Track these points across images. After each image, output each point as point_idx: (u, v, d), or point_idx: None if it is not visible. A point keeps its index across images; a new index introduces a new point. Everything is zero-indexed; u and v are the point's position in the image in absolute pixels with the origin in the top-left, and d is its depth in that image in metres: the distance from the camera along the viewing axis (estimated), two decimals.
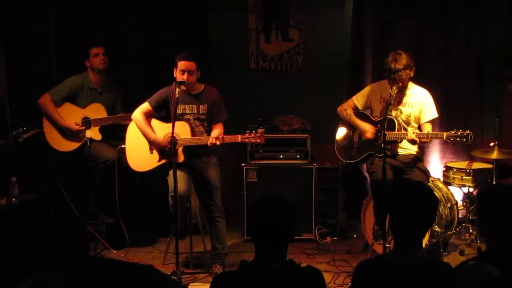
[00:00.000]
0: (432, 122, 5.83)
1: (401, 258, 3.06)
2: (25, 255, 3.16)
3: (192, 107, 5.53)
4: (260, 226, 3.01)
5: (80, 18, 6.83)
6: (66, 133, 6.21)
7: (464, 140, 5.29)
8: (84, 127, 6.19)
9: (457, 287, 2.62)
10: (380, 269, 3.09)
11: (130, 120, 5.86)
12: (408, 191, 3.20)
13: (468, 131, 5.29)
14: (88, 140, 6.14)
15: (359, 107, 5.99)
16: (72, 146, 6.23)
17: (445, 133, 5.37)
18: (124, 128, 5.99)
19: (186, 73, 5.34)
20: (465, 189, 6.28)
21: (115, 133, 6.35)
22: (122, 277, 3.90)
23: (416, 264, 3.01)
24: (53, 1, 6.55)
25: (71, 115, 6.22)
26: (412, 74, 5.61)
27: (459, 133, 5.30)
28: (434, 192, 5.58)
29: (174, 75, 5.40)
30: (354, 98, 6.04)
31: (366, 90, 6.02)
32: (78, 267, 2.93)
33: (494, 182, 6.02)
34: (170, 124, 5.18)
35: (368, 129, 5.84)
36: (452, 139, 5.33)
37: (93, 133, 6.19)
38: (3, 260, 4.82)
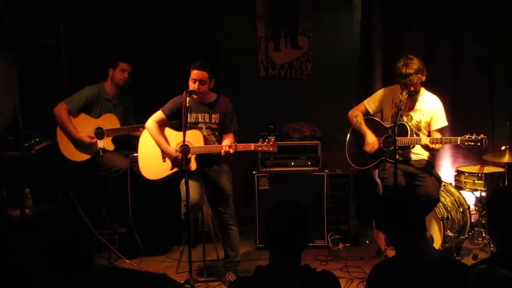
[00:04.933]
0: (441, 130, 5.84)
1: (410, 254, 3.10)
2: (37, 266, 3.19)
3: (204, 116, 5.56)
4: (277, 231, 3.03)
5: (90, 30, 6.87)
6: (79, 144, 6.22)
7: (479, 144, 5.29)
8: (95, 140, 6.20)
9: None
10: (394, 267, 3.13)
11: (142, 130, 5.90)
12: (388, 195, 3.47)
13: (482, 135, 5.29)
14: (101, 150, 6.14)
15: (371, 111, 6.00)
16: (84, 156, 6.23)
17: (459, 138, 5.37)
18: (136, 138, 6.02)
19: (197, 82, 5.38)
20: (477, 193, 6.26)
21: (128, 143, 6.36)
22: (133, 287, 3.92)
23: (430, 261, 3.05)
24: (63, 13, 6.59)
25: (84, 125, 6.23)
26: (424, 78, 5.62)
27: (473, 138, 5.30)
28: (445, 196, 5.69)
29: (188, 84, 5.43)
30: (365, 102, 6.05)
31: (378, 94, 6.03)
32: (85, 279, 2.95)
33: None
34: (182, 133, 5.20)
35: (370, 142, 5.85)
36: (466, 143, 5.32)
37: (106, 143, 6.20)
38: (17, 272, 4.84)
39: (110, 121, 6.29)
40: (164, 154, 5.64)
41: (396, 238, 3.20)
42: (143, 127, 5.88)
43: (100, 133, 6.22)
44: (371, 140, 5.86)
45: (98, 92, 6.34)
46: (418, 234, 3.15)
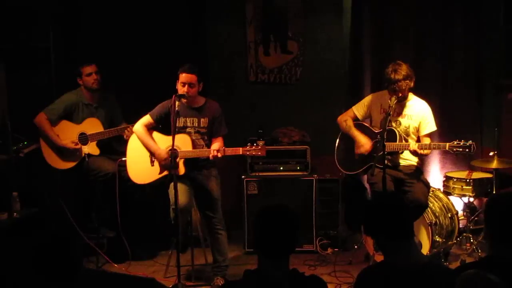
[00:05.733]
0: (431, 135, 5.86)
1: (398, 259, 3.10)
2: (24, 270, 3.19)
3: (193, 120, 5.56)
4: (265, 235, 3.03)
5: (79, 33, 6.85)
6: (63, 152, 6.19)
7: (467, 150, 5.29)
8: (80, 146, 6.17)
9: None
10: (382, 272, 3.13)
11: (128, 132, 5.89)
12: (373, 202, 3.47)
13: (470, 142, 5.29)
14: (86, 155, 6.12)
15: (359, 117, 6.01)
16: (70, 164, 6.20)
17: (447, 144, 5.37)
18: (122, 142, 6.00)
19: (186, 86, 5.38)
20: (465, 199, 6.28)
21: (112, 147, 6.34)
22: None
23: (418, 267, 3.05)
24: (53, 17, 6.57)
25: (67, 132, 6.20)
26: (412, 84, 5.64)
27: (461, 144, 5.30)
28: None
29: (177, 87, 5.43)
30: (354, 108, 6.06)
31: (366, 100, 6.05)
32: (73, 282, 2.94)
33: (494, 192, 6.03)
34: (171, 137, 5.20)
35: (363, 143, 5.85)
36: (455, 149, 5.33)
37: (91, 149, 6.17)
38: (5, 275, 4.82)
39: (93, 126, 6.25)
40: (153, 158, 5.64)
41: (385, 243, 3.20)
42: (128, 128, 5.88)
43: (84, 139, 6.19)
44: (364, 141, 5.87)
45: (77, 98, 6.30)
46: (407, 240, 3.15)
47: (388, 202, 3.30)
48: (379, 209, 3.25)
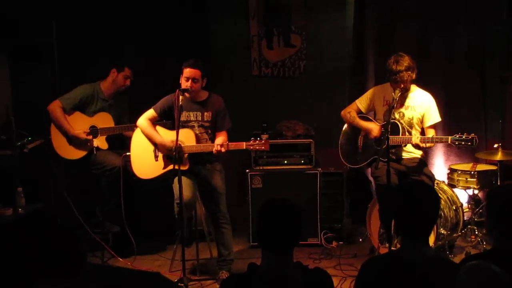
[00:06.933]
0: (435, 126, 5.84)
1: (408, 254, 3.08)
2: (29, 266, 3.19)
3: (196, 114, 5.55)
4: (269, 228, 3.02)
5: (82, 29, 6.85)
6: (74, 141, 6.20)
7: (469, 143, 5.28)
8: (91, 137, 6.19)
9: (459, 287, 2.63)
10: (388, 263, 3.11)
11: (134, 130, 5.90)
12: (410, 190, 3.25)
13: (472, 135, 5.29)
14: (95, 148, 6.13)
15: (363, 110, 6.01)
16: (78, 154, 6.22)
17: (450, 137, 5.36)
18: (129, 138, 6.02)
19: (190, 80, 5.38)
20: (470, 191, 6.28)
21: (122, 142, 6.35)
22: (127, 286, 3.92)
23: (424, 260, 3.04)
24: (55, 12, 6.57)
25: (78, 123, 6.22)
26: (414, 76, 5.63)
27: (463, 137, 5.29)
28: (437, 192, 5.70)
29: (180, 81, 5.43)
30: (357, 101, 6.06)
31: (369, 93, 6.04)
32: (78, 277, 2.94)
33: (498, 184, 6.02)
34: (175, 132, 5.20)
35: (373, 127, 5.85)
36: (457, 142, 5.32)
37: (100, 142, 6.18)
38: (9, 271, 4.83)
39: (104, 120, 6.27)
40: (157, 152, 5.64)
41: (406, 236, 3.17)
42: (137, 127, 5.89)
43: (94, 132, 6.21)
44: (372, 126, 5.86)
45: (93, 91, 6.32)
46: (425, 239, 3.14)
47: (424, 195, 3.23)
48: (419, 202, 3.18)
